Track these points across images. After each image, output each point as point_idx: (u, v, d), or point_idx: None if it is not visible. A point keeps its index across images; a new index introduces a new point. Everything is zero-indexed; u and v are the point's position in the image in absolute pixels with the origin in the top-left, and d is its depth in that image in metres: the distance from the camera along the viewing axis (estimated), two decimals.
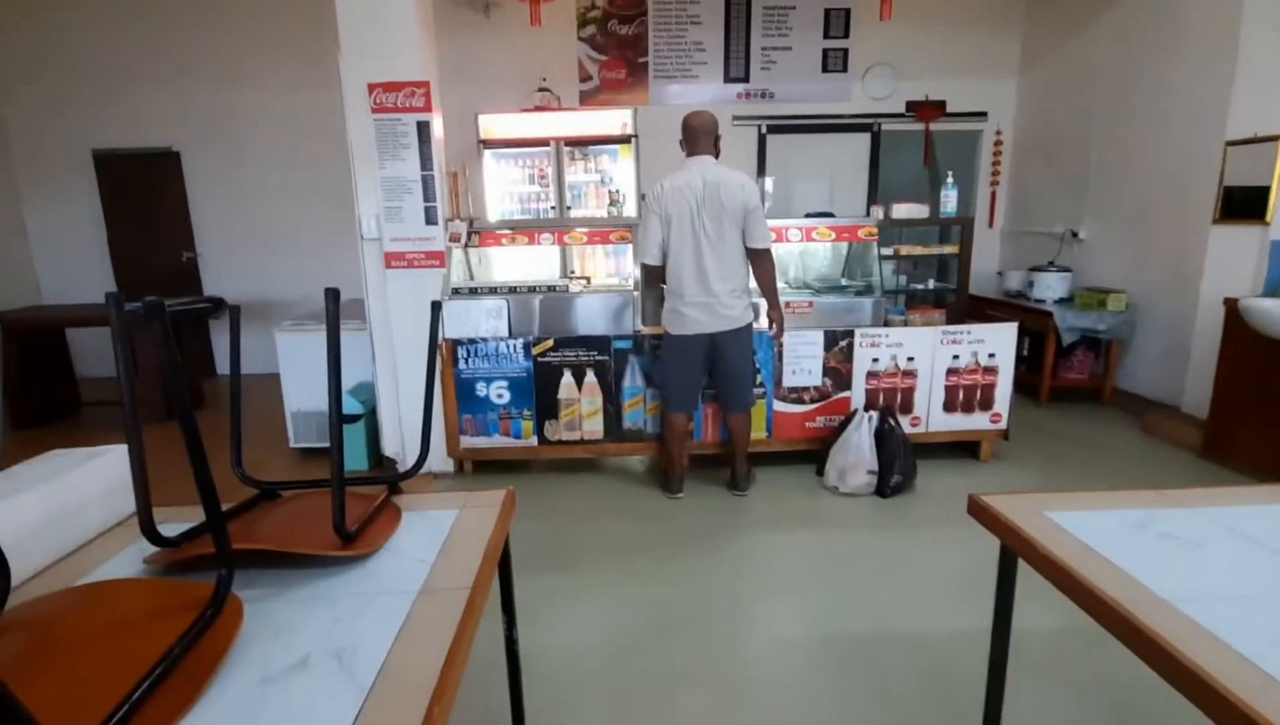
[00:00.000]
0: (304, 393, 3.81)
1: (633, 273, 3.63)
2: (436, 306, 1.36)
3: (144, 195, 5.90)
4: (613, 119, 4.91)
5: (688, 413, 3.23)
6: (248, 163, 5.84)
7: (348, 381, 3.71)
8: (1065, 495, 1.28)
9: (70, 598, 0.90)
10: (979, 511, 1.26)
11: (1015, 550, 1.17)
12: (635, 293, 3.52)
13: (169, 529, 1.04)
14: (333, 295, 0.96)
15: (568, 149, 4.92)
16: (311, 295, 5.59)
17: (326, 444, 3.75)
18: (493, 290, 3.52)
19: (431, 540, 1.12)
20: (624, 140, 4.90)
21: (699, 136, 2.97)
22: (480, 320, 3.45)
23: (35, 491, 1.10)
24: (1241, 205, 3.70)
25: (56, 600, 0.90)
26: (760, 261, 3.01)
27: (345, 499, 1.06)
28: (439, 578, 0.99)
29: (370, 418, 3.69)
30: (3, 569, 0.82)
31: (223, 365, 6.14)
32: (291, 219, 5.91)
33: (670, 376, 3.17)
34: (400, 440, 3.62)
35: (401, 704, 0.71)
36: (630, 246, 3.71)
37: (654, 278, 3.12)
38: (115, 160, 5.81)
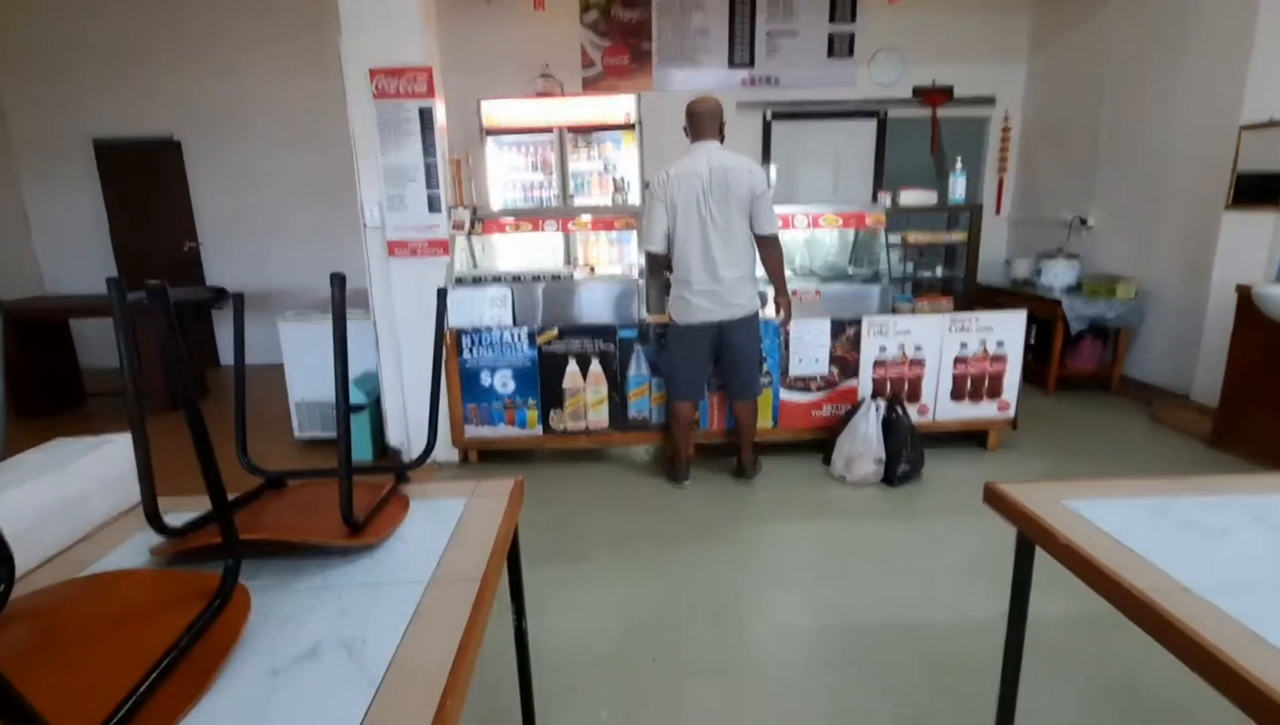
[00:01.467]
0: (308, 382, 3.80)
1: (637, 261, 3.60)
2: (442, 294, 1.33)
3: (145, 185, 5.87)
4: (616, 105, 4.86)
5: (694, 402, 3.21)
6: (250, 152, 5.81)
7: (352, 371, 3.70)
8: (1083, 483, 1.26)
9: (76, 588, 0.89)
10: (995, 500, 1.23)
11: (1034, 539, 1.15)
12: (640, 281, 3.49)
13: (174, 519, 1.03)
14: (338, 281, 0.94)
15: (571, 136, 4.87)
16: (315, 285, 5.58)
17: (331, 434, 3.75)
18: (497, 279, 3.50)
19: (440, 530, 1.10)
20: (628, 127, 4.85)
21: (704, 121, 2.93)
22: (484, 309, 3.42)
23: (38, 481, 1.08)
24: (1255, 191, 3.65)
25: (62, 591, 0.88)
26: (768, 248, 2.98)
27: (353, 488, 1.04)
28: (449, 568, 0.97)
29: (374, 408, 3.67)
30: (7, 561, 0.80)
31: (226, 356, 6.14)
32: (294, 208, 5.89)
33: (676, 365, 3.15)
34: (405, 430, 3.61)
35: (413, 696, 0.70)
36: (635, 234, 3.68)
37: (659, 265, 3.09)
38: (116, 149, 5.78)
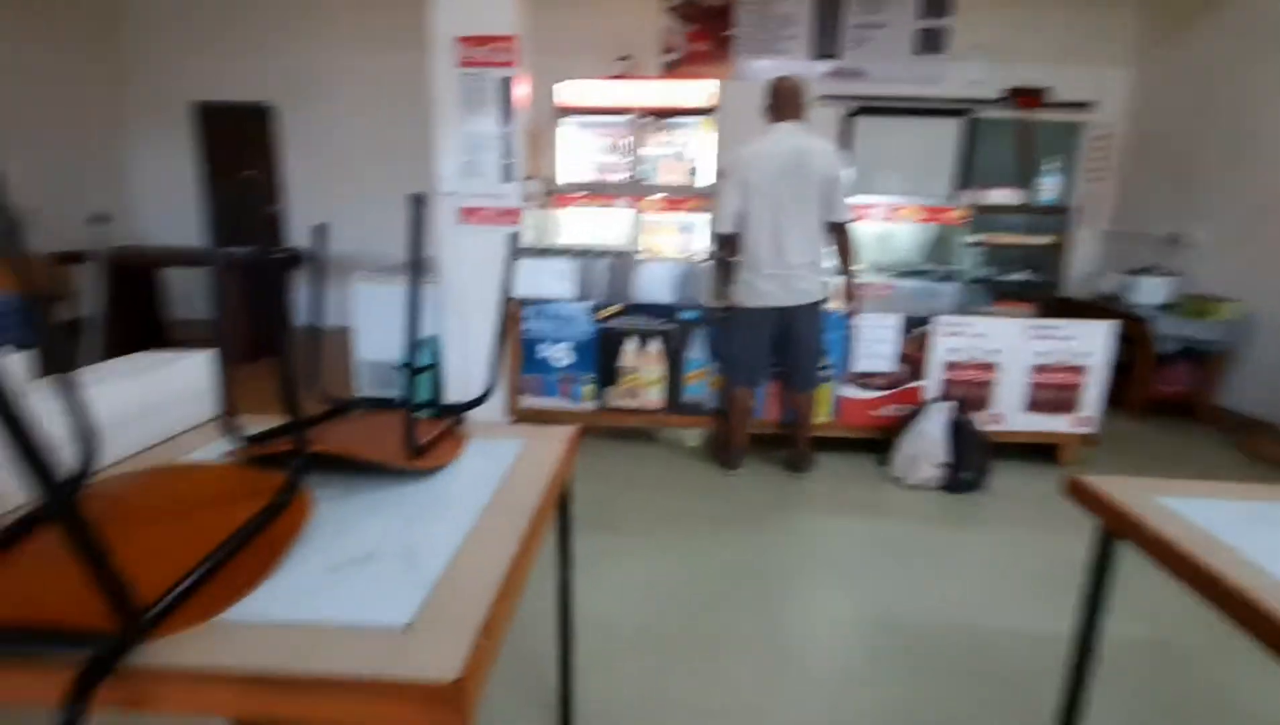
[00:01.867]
0: (375, 343, 3.91)
1: (704, 244, 3.56)
2: (514, 237, 1.34)
3: (238, 148, 6.18)
4: (695, 91, 4.82)
5: (752, 388, 3.15)
6: (333, 121, 6.04)
7: (413, 335, 3.78)
8: (1176, 482, 1.16)
9: (153, 474, 0.93)
10: (1079, 492, 1.15)
11: (1120, 534, 1.07)
12: (706, 263, 3.45)
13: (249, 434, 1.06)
14: (417, 200, 0.94)
15: (646, 120, 4.86)
16: (386, 251, 5.75)
17: (393, 393, 3.85)
18: (563, 252, 3.52)
19: (496, 464, 1.10)
20: (705, 113, 4.80)
21: (787, 101, 2.87)
22: (548, 281, 3.45)
23: (124, 383, 1.14)
24: None
25: (140, 475, 0.92)
26: (841, 235, 2.90)
27: (413, 421, 1.05)
28: (504, 496, 0.97)
29: (436, 373, 3.75)
30: (95, 437, 0.84)
31: (299, 318, 6.39)
32: (370, 176, 6.08)
33: (737, 350, 3.10)
34: (466, 394, 3.66)
35: (466, 598, 0.70)
36: (703, 217, 3.64)
37: (729, 247, 3.03)
38: (214, 113, 6.10)
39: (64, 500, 0.54)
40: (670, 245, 3.99)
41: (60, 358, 0.67)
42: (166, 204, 6.26)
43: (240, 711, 0.61)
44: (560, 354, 3.46)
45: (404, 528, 0.86)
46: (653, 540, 2.59)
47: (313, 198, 6.22)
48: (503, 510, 0.92)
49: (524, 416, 3.62)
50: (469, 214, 3.43)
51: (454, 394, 3.70)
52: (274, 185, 6.25)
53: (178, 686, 0.61)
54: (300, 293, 6.40)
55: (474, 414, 1.33)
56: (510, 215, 3.41)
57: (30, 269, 0.60)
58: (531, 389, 3.53)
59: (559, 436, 1.25)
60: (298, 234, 6.29)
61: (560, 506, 1.36)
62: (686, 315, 3.36)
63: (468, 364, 3.62)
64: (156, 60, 6.03)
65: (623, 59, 5.33)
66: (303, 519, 0.83)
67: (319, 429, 1.16)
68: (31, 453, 0.51)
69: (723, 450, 3.31)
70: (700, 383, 3.43)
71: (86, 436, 0.75)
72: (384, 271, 4.04)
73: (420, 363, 3.68)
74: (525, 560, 0.83)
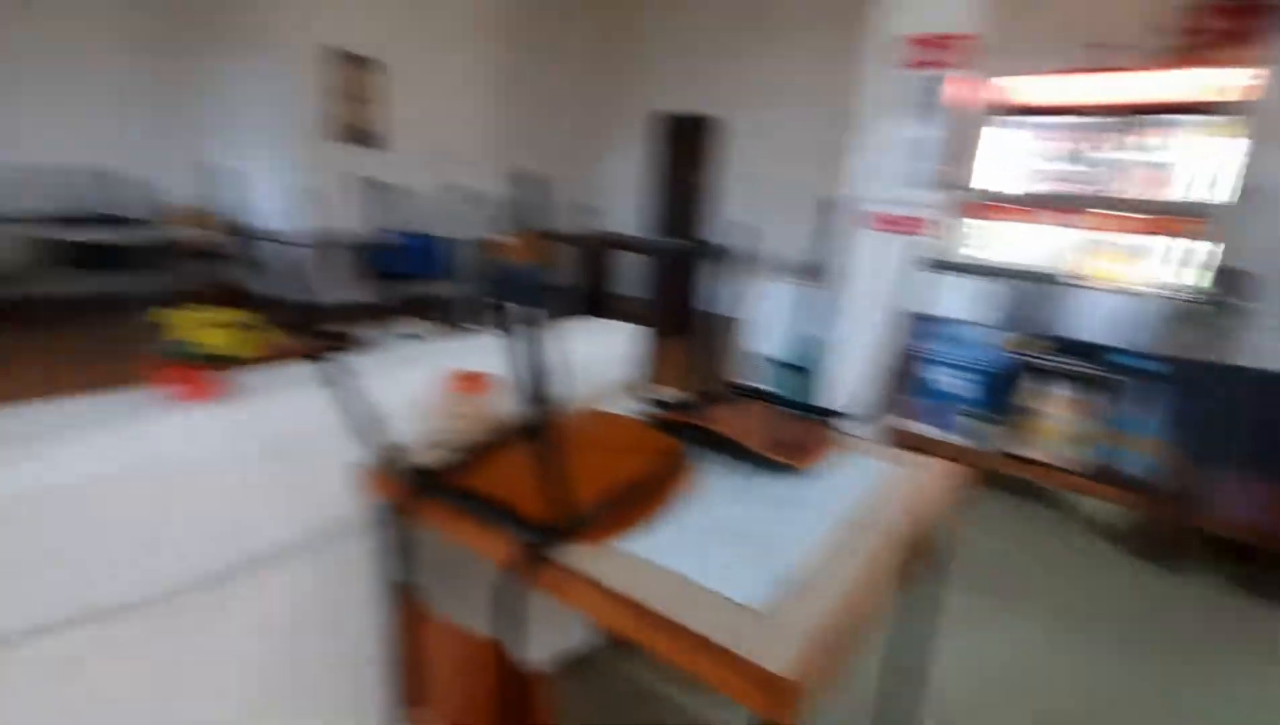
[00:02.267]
0: (765, 337, 4.12)
1: (1184, 276, 2.81)
2: (922, 247, 1.26)
3: (685, 154, 7.16)
4: (1204, 83, 3.78)
5: (1219, 470, 2.40)
6: (762, 129, 6.53)
7: (799, 337, 3.86)
8: None
9: (594, 415, 1.17)
10: None
11: None
12: (1192, 303, 2.70)
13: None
14: (824, 203, 0.97)
15: (1115, 119, 4.00)
16: (791, 252, 6.03)
17: (775, 388, 4.02)
18: (978, 268, 3.17)
19: (865, 480, 1.07)
20: (1215, 110, 3.74)
21: None
22: (955, 299, 3.15)
23: (580, 340, 1.44)
24: None
25: (586, 414, 1.16)
26: None
27: (788, 419, 1.10)
28: (866, 513, 0.94)
29: (819, 376, 3.78)
30: (569, 377, 1.09)
31: (711, 307, 7.15)
32: (788, 181, 6.38)
33: (1214, 419, 2.39)
34: (845, 403, 3.63)
35: (817, 604, 0.71)
36: (1184, 243, 2.87)
37: (1241, 288, 2.30)
38: (671, 123, 7.19)
39: (545, 420, 0.72)
40: (1122, 273, 3.24)
41: (557, 315, 0.90)
42: (622, 197, 7.65)
43: (610, 623, 0.74)
44: (955, 381, 3.15)
45: (769, 517, 0.91)
46: (1033, 625, 2.19)
47: (739, 199, 6.86)
48: (863, 528, 0.90)
49: (901, 440, 3.41)
50: (880, 221, 3.33)
51: (834, 401, 3.69)
52: (709, 188, 7.08)
53: (577, 586, 0.76)
54: (716, 285, 7.16)
55: (848, 426, 1.31)
56: (924, 225, 3.21)
57: (547, 248, 0.81)
58: (915, 413, 3.30)
59: (940, 470, 1.16)
60: (724, 232, 7.01)
61: (932, 549, 1.26)
62: (1135, 362, 2.71)
63: (853, 372, 3.55)
64: (638, 79, 7.38)
65: (1096, 46, 4.47)
66: (684, 483, 0.95)
67: (711, 408, 1.30)
68: (532, 383, 0.69)
69: (1157, 543, 2.59)
70: (1139, 450, 2.74)
71: (563, 376, 0.98)
72: (785, 270, 4.22)
73: (807, 363, 3.77)
74: (880, 587, 0.80)
